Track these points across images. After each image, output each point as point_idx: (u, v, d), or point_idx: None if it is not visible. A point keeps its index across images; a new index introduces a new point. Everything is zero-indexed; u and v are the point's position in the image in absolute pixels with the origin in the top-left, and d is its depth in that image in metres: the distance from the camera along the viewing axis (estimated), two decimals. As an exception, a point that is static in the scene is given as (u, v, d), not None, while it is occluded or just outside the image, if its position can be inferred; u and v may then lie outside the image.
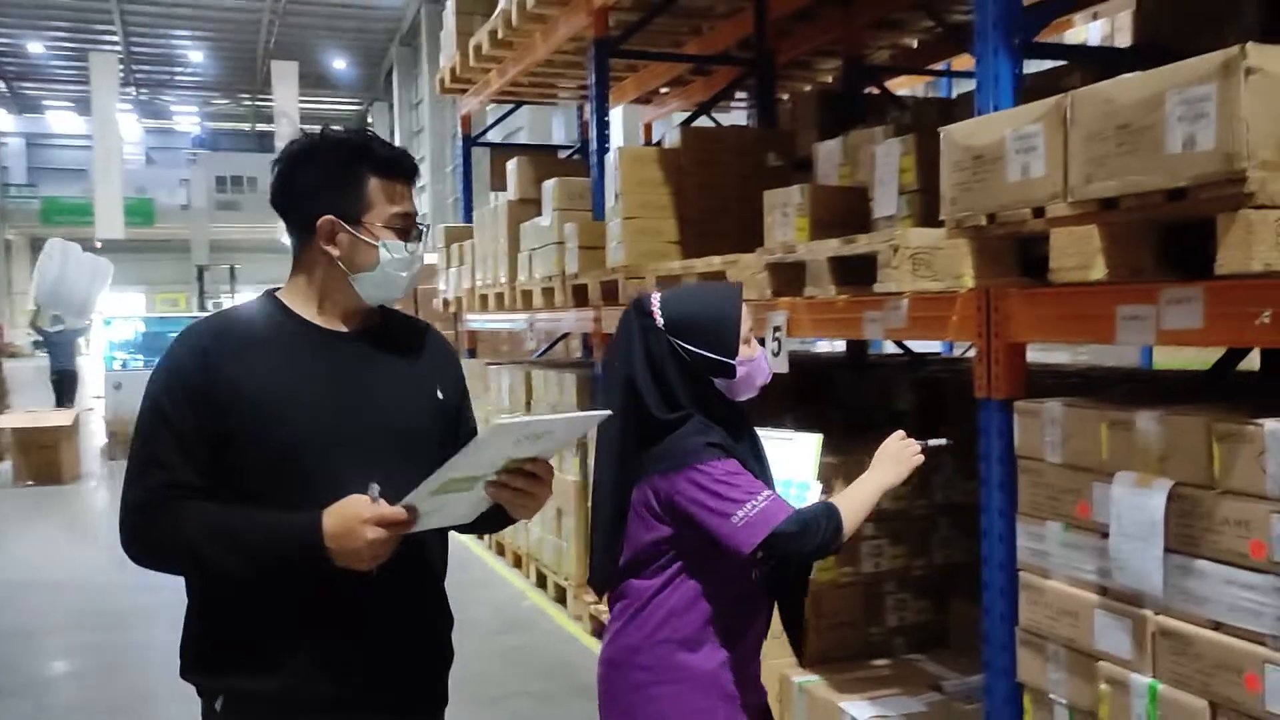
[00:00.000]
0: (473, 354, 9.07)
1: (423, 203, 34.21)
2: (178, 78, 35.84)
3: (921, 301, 3.12)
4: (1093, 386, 3.15)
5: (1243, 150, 2.02)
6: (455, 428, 2.02)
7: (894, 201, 3.60)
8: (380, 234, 1.85)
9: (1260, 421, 2.21)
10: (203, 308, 28.85)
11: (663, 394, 2.13)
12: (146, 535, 1.76)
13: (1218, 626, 2.31)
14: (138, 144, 40.75)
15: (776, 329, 4.00)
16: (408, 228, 1.88)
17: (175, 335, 1.88)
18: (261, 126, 39.10)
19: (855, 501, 2.18)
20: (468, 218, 8.98)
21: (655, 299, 2.19)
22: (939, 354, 7.39)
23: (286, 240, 1.97)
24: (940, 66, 7.54)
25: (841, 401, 5.56)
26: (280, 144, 32.83)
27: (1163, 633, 2.43)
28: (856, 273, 3.35)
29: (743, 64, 6.71)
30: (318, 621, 1.79)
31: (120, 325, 14.67)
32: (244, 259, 36.22)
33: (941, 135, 2.88)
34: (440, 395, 1.97)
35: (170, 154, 41.07)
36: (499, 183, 8.25)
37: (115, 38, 30.51)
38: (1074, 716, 2.73)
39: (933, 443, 2.39)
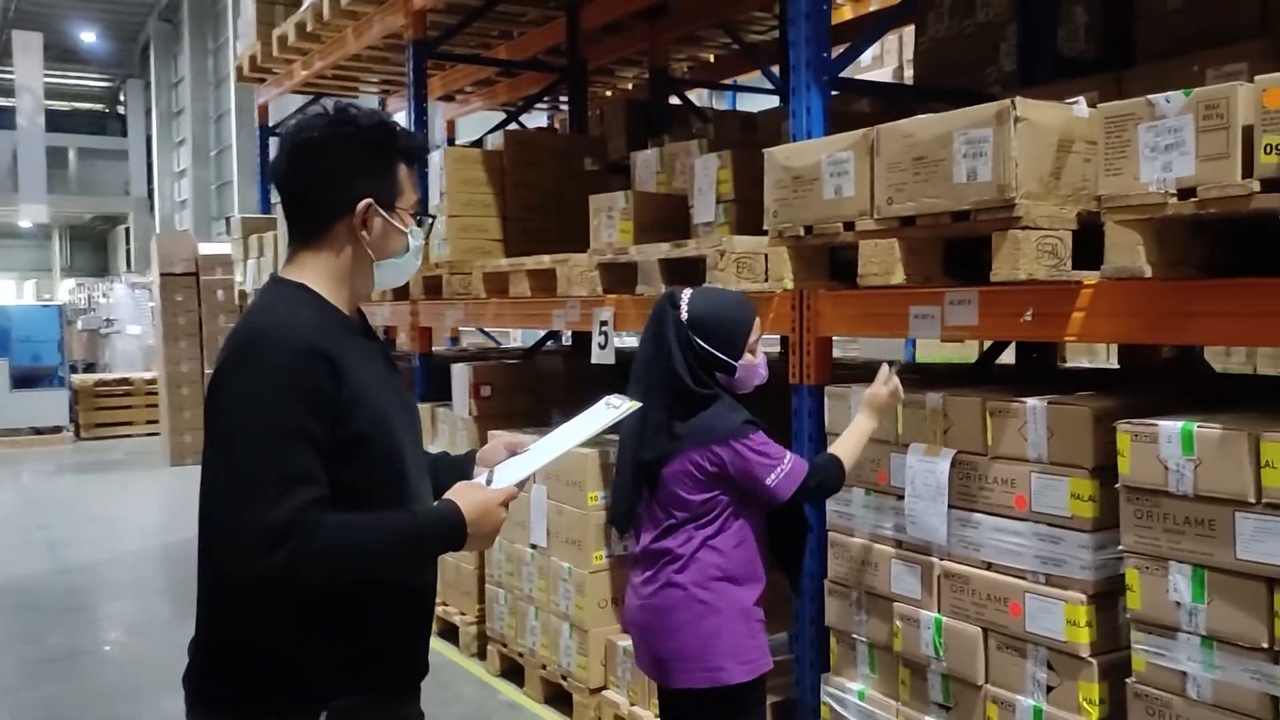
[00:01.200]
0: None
1: (183, 188, 32.22)
2: (-103, 42, 32.24)
3: (743, 300, 3.53)
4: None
5: (1012, 183, 2.54)
6: None
7: (712, 209, 4.01)
8: (408, 221, 1.82)
9: (1023, 399, 2.76)
10: (-66, 296, 26.16)
11: (690, 371, 2.55)
12: (305, 559, 1.55)
13: (989, 566, 2.85)
14: None
15: (603, 323, 4.34)
16: (421, 215, 1.88)
17: (253, 336, 1.66)
18: (-1, 100, 35.82)
19: (849, 447, 2.76)
20: (266, 209, 8.85)
21: (685, 295, 2.61)
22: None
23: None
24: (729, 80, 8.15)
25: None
26: (22, 120, 29.62)
27: (946, 575, 2.96)
28: (684, 273, 3.74)
29: (557, 70, 7.00)
30: (408, 615, 1.80)
31: None
32: (-21, 244, 33.03)
33: (765, 156, 3.30)
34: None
35: (-113, 126, 36.81)
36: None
37: None
38: (873, 651, 3.23)
39: (894, 370, 2.89)
